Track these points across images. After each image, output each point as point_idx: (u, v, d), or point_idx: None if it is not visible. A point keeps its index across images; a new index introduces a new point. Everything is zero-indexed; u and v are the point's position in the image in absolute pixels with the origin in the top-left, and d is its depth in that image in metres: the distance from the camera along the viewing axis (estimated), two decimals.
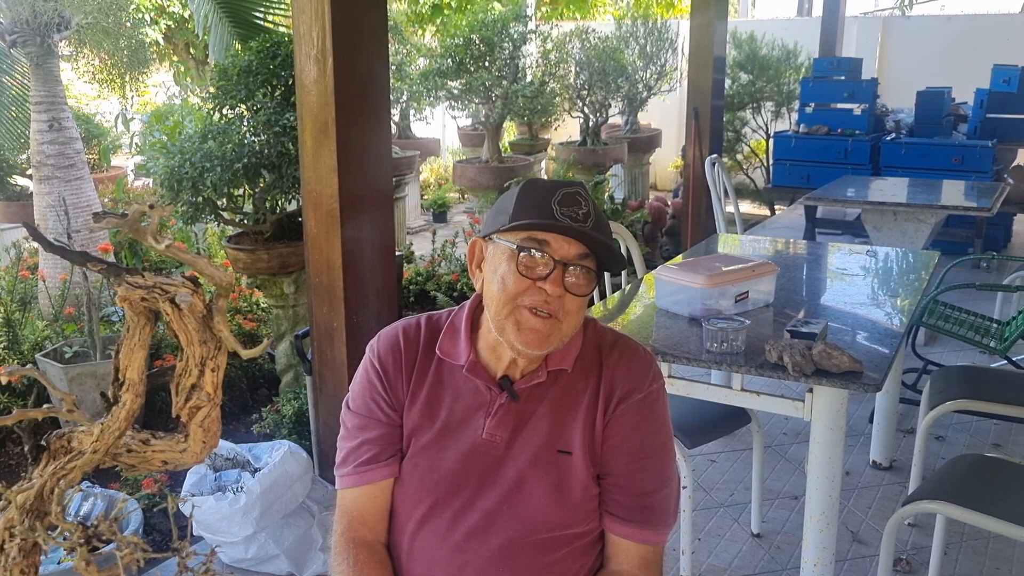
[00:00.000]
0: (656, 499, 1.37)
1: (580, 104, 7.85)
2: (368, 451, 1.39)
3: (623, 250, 3.15)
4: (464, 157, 8.85)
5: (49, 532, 0.99)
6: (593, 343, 1.41)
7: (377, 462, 1.39)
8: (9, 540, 1.00)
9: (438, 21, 10.84)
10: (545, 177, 9.03)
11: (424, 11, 11.15)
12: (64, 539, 0.97)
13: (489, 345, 1.38)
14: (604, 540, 1.40)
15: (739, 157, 9.47)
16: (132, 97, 9.54)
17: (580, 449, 1.35)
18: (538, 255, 1.28)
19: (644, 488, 1.36)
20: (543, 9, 12.64)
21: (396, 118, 8.55)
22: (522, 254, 1.29)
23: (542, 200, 1.29)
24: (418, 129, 9.24)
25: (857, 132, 6.87)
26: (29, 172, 5.74)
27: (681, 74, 8.26)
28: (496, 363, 1.38)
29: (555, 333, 1.30)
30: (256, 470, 2.75)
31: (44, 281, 4.59)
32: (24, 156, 6.18)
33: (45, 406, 1.01)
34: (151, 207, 1.00)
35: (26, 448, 1.05)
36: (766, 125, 8.88)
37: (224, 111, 3.74)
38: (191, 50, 10.88)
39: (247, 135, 3.67)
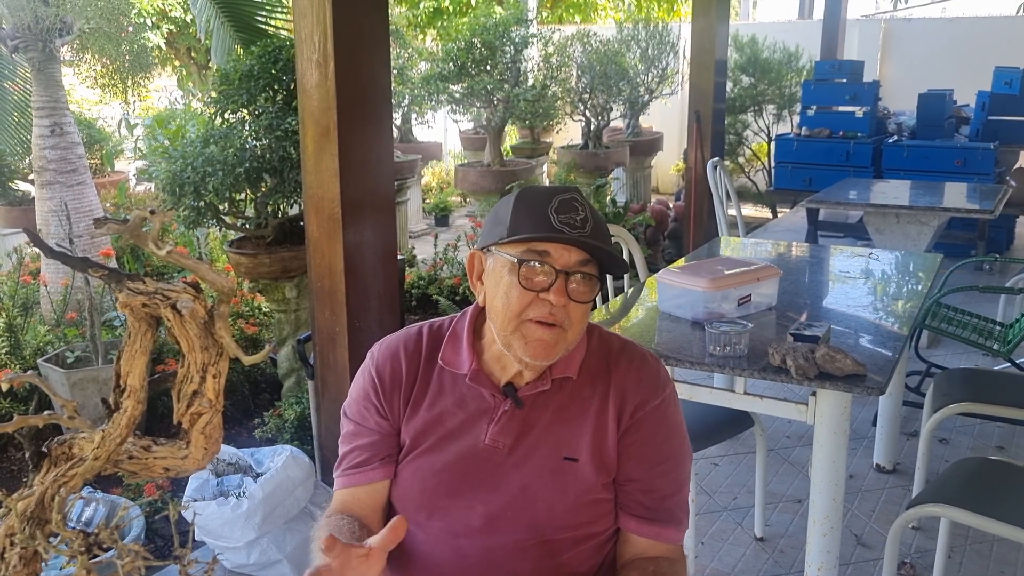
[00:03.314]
0: (676, 500, 1.39)
1: (582, 107, 7.86)
2: (358, 456, 1.40)
3: (625, 254, 3.15)
4: (466, 161, 8.86)
5: (50, 540, 0.98)
6: (599, 351, 1.40)
7: (365, 466, 1.39)
8: (10, 548, 0.99)
9: (438, 24, 10.86)
10: (547, 181, 9.02)
11: (424, 14, 11.16)
12: (65, 547, 0.96)
13: (494, 356, 1.37)
14: (621, 544, 1.40)
15: (741, 160, 9.47)
16: (134, 102, 9.55)
17: (587, 456, 1.34)
18: (539, 266, 1.27)
19: (664, 491, 1.38)
20: (543, 13, 12.64)
21: (398, 122, 8.55)
22: (523, 266, 1.27)
23: (539, 209, 1.27)
24: (420, 133, 9.24)
25: (859, 135, 6.86)
26: (31, 177, 5.74)
27: (683, 77, 8.26)
28: (501, 372, 1.37)
29: (561, 342, 1.30)
30: (258, 475, 2.74)
31: (46, 286, 4.59)
32: (26, 161, 6.19)
33: (46, 412, 1.00)
34: (152, 212, 1.00)
35: (27, 454, 1.04)
36: (768, 128, 8.87)
37: (226, 116, 3.75)
38: (193, 55, 10.91)
39: (249, 139, 3.68)
